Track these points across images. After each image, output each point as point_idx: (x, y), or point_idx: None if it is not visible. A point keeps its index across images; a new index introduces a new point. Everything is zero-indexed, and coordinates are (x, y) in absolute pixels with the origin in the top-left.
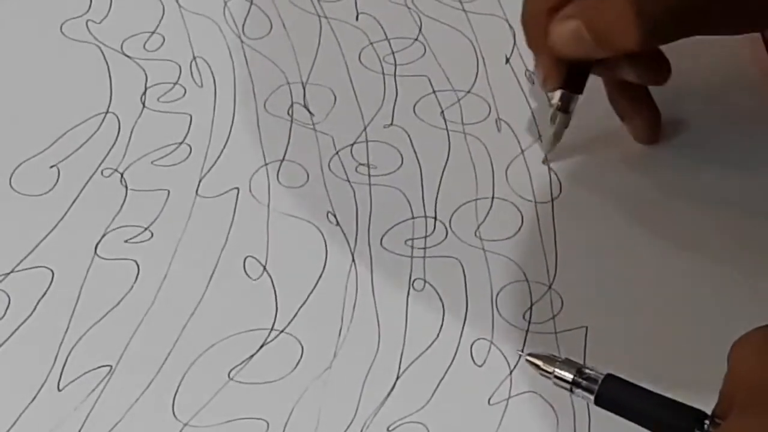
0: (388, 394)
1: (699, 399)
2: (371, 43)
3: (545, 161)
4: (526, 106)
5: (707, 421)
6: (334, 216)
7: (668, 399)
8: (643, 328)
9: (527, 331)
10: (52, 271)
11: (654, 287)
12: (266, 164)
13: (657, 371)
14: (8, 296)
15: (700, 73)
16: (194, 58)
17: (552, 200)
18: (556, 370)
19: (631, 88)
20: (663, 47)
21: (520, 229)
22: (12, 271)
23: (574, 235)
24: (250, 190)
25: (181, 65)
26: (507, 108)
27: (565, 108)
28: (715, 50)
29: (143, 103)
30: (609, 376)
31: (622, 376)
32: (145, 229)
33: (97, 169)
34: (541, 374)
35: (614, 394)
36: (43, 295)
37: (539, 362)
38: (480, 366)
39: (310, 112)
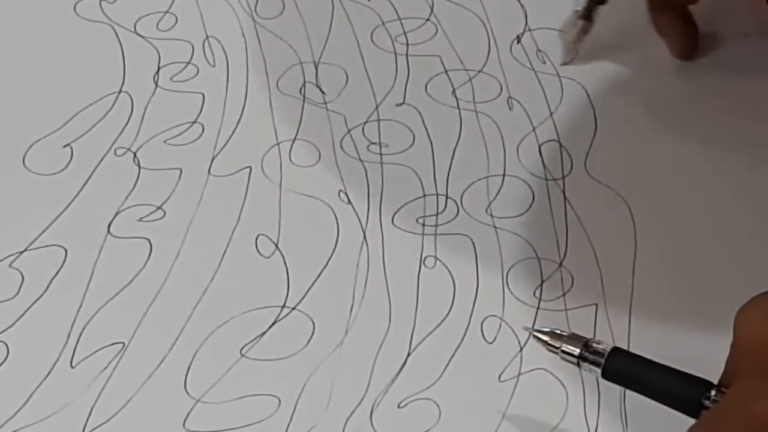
0: (399, 371)
1: (709, 375)
2: (383, 23)
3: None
4: (538, 84)
5: (714, 391)
6: (346, 194)
7: (674, 370)
8: (652, 304)
9: (538, 308)
10: (65, 249)
11: (663, 264)
12: (278, 143)
13: (667, 348)
14: (22, 274)
15: None
16: (207, 37)
17: (563, 177)
18: (563, 345)
19: (670, 3)
20: None
21: (531, 206)
22: (26, 250)
23: (585, 213)
24: (262, 169)
25: (194, 45)
26: (518, 87)
27: (587, 15)
28: None
29: (156, 83)
30: (615, 350)
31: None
32: (158, 207)
33: (111, 148)
34: (549, 350)
35: (621, 367)
36: (56, 274)
37: (546, 338)
38: (491, 343)
39: (322, 92)
